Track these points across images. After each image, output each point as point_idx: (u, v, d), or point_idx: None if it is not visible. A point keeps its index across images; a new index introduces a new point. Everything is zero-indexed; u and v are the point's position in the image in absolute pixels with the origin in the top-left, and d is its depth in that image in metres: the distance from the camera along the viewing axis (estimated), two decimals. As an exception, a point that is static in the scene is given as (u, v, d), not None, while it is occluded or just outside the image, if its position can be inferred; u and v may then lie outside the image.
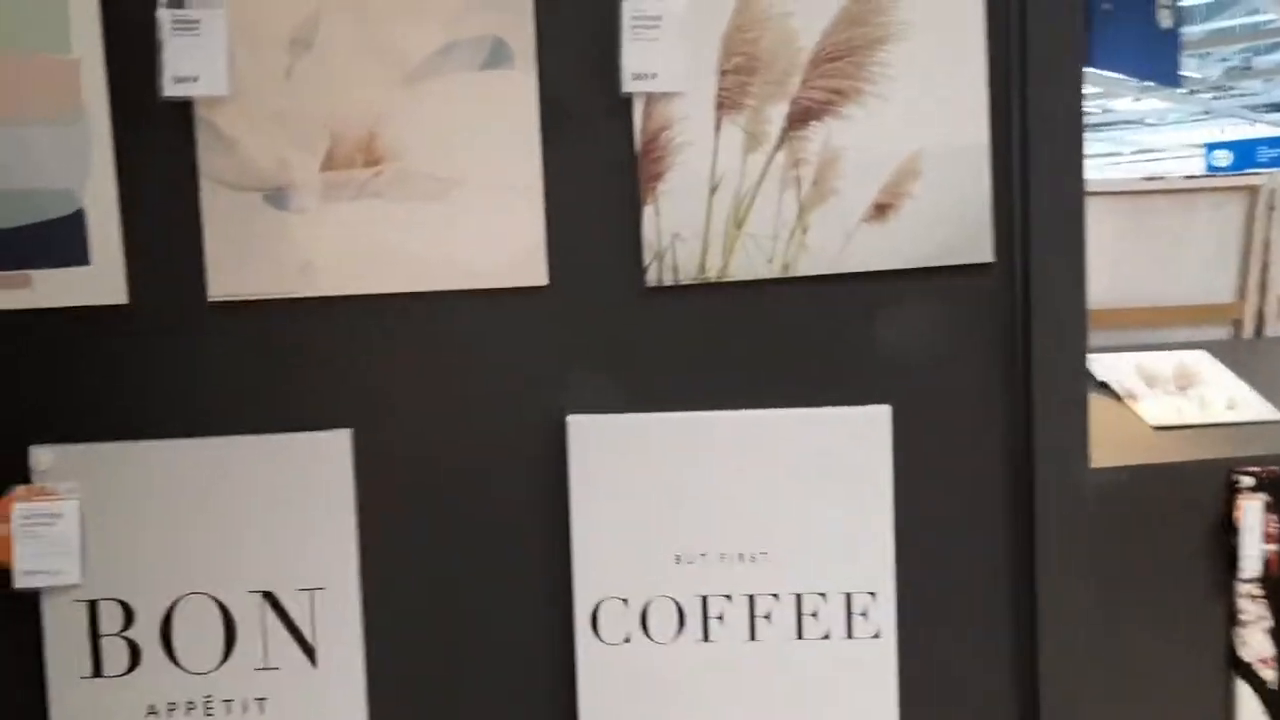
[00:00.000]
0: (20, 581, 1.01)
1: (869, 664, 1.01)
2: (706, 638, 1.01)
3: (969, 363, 0.99)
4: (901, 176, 0.97)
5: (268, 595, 1.02)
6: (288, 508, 1.02)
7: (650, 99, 0.97)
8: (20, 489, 1.01)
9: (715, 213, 0.98)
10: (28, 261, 1.01)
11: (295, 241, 0.99)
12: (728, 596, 1.01)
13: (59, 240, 1.01)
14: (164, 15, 0.96)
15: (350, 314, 1.01)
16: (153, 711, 1.04)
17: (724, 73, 0.97)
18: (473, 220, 0.99)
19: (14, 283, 1.01)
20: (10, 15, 0.97)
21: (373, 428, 1.02)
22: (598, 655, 1.02)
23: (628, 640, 1.01)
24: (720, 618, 1.01)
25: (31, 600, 1.03)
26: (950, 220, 0.97)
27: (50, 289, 1.01)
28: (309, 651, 1.02)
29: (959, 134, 0.97)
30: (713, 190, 0.98)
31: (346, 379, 1.02)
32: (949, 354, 0.99)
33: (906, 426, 0.99)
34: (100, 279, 1.01)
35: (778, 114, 0.97)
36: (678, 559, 1.00)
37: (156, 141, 0.99)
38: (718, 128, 0.97)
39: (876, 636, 1.00)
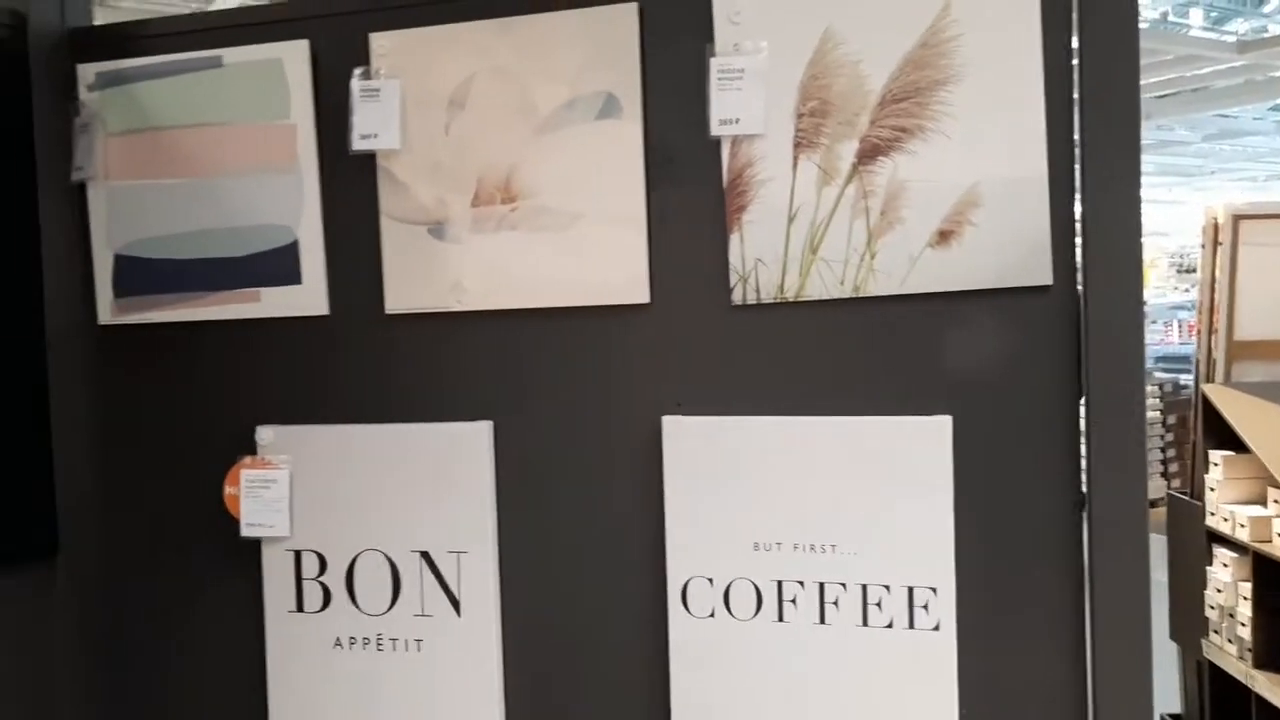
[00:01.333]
0: (245, 531, 1.31)
1: (929, 654, 1.14)
2: (781, 618, 1.17)
3: (1027, 377, 1.10)
4: (963, 206, 1.08)
5: (425, 555, 1.27)
6: (442, 483, 1.28)
7: (735, 141, 1.15)
8: (247, 459, 1.31)
9: (793, 240, 1.14)
10: (257, 281, 1.33)
11: (449, 266, 1.25)
12: (800, 583, 1.16)
13: (279, 265, 1.31)
14: (355, 86, 1.23)
15: (492, 325, 1.26)
16: (338, 643, 1.31)
17: (800, 115, 1.13)
18: (589, 248, 1.21)
19: (248, 298, 1.32)
20: (248, 97, 1.31)
21: (509, 420, 1.26)
22: (686, 626, 1.20)
23: (712, 615, 1.19)
24: (793, 601, 1.16)
25: (254, 547, 1.32)
26: (1010, 245, 1.08)
27: (273, 303, 1.32)
28: (455, 604, 1.27)
29: (1018, 165, 1.08)
30: (790, 220, 1.14)
31: (489, 379, 1.26)
32: (1008, 369, 1.10)
33: (967, 436, 1.12)
34: (309, 295, 1.31)
35: (849, 151, 1.12)
36: (756, 546, 1.17)
37: (349, 186, 1.28)
38: (795, 164, 1.13)
39: (936, 629, 1.12)
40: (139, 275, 1.43)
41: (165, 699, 1.47)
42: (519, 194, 1.30)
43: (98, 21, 1.52)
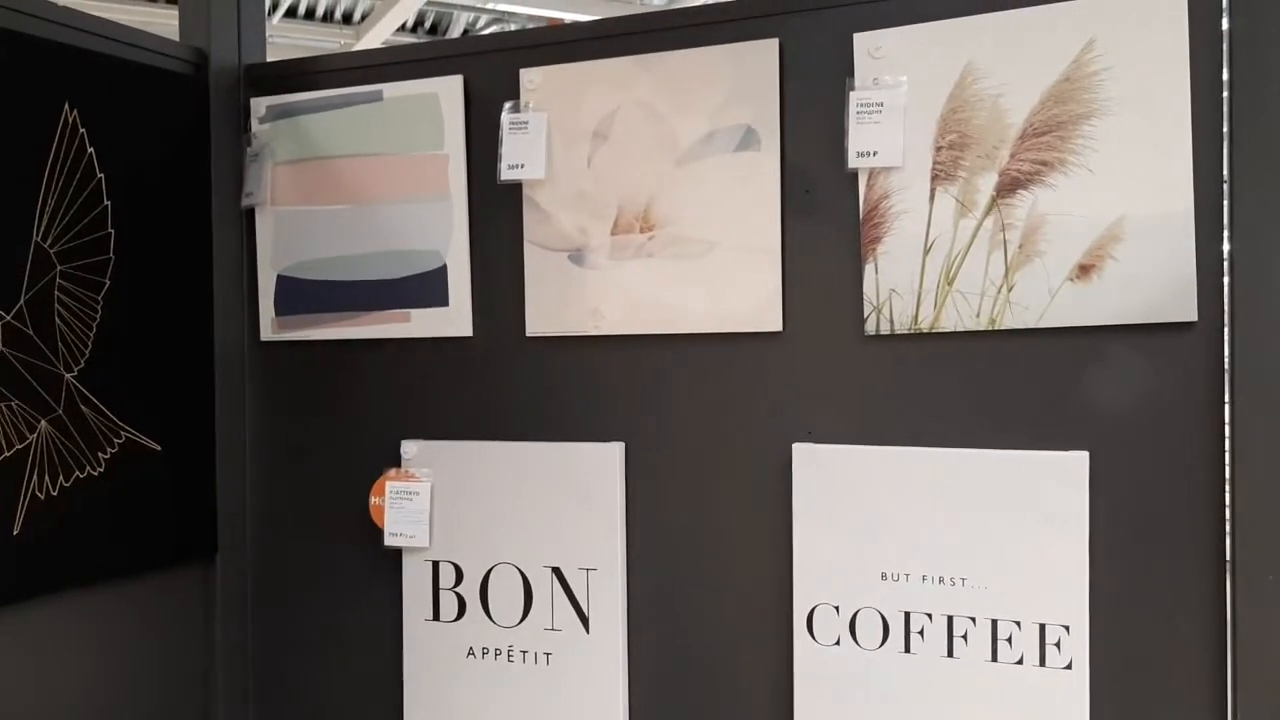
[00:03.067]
0: (388, 541, 1.39)
1: (1060, 693, 1.14)
2: (908, 649, 1.18)
3: (1169, 416, 1.10)
4: (1105, 240, 1.09)
5: (556, 570, 1.33)
6: (574, 501, 1.33)
7: (873, 173, 1.18)
8: (392, 471, 1.39)
9: (928, 271, 1.16)
10: (408, 302, 1.41)
11: (588, 291, 1.31)
12: (928, 614, 1.17)
13: (429, 288, 1.40)
14: (505, 119, 1.31)
15: (627, 350, 1.31)
16: (471, 653, 1.37)
17: (939, 148, 1.15)
18: (724, 275, 1.25)
19: (399, 318, 1.41)
20: (405, 129, 1.40)
21: (641, 442, 1.31)
22: (812, 653, 1.23)
23: (838, 643, 1.21)
24: (921, 633, 1.17)
25: (395, 556, 1.40)
26: (1153, 281, 1.09)
27: (422, 323, 1.41)
28: (584, 619, 1.31)
29: (1163, 200, 1.09)
30: (926, 251, 1.16)
31: (623, 401, 1.32)
32: (1148, 407, 1.10)
33: (1105, 473, 1.12)
34: (455, 317, 1.39)
35: (987, 184, 1.14)
36: (884, 576, 1.19)
37: (496, 215, 1.36)
38: (932, 197, 1.16)
39: (1069, 668, 1.12)
40: (299, 295, 1.55)
41: (311, 693, 1.56)
42: (657, 223, 1.35)
43: (269, 58, 1.65)
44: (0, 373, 1.19)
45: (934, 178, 1.22)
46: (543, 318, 1.42)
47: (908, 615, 1.24)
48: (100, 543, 1.32)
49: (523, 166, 1.40)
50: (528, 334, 1.43)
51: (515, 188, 1.42)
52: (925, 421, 1.24)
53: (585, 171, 1.39)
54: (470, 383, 1.47)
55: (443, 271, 1.47)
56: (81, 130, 1.29)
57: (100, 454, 1.32)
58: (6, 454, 1.19)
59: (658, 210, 1.35)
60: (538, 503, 1.42)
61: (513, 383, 1.44)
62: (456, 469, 1.47)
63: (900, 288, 1.24)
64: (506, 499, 1.44)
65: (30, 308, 1.22)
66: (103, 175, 1.32)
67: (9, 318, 1.20)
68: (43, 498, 1.24)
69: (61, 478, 1.26)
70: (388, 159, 1.48)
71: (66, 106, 1.27)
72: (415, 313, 1.49)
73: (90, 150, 1.30)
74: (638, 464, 1.38)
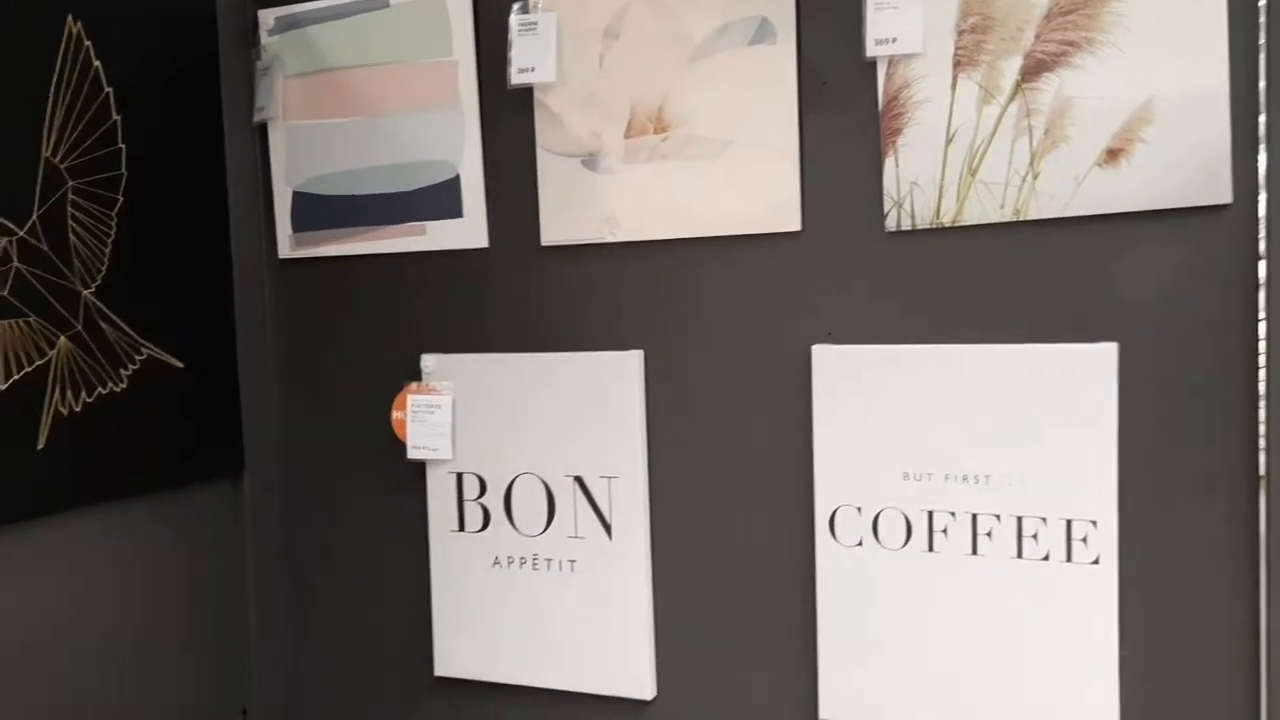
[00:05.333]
0: (411, 454, 1.41)
1: (1088, 589, 1.13)
2: (931, 548, 1.17)
3: (1201, 304, 1.06)
4: (1135, 122, 1.06)
5: (578, 479, 1.33)
6: (595, 410, 1.34)
7: (892, 62, 1.15)
8: (413, 385, 1.40)
9: (950, 162, 1.13)
10: (422, 215, 1.40)
11: (603, 197, 1.29)
12: (951, 513, 1.16)
13: (442, 199, 1.39)
14: (514, 20, 1.29)
15: (644, 256, 1.30)
16: (496, 562, 1.39)
17: (960, 32, 1.12)
18: (740, 176, 1.23)
19: (414, 231, 1.40)
20: (413, 36, 1.38)
21: (659, 349, 1.30)
22: (834, 555, 1.22)
23: (860, 544, 1.20)
24: (944, 531, 1.17)
25: (419, 469, 1.41)
26: (1185, 164, 1.05)
27: (437, 236, 1.40)
28: (607, 527, 1.32)
29: (1195, 79, 1.05)
30: (948, 142, 1.13)
31: (640, 308, 1.31)
32: (1180, 295, 1.07)
33: (1134, 365, 1.10)
34: (470, 228, 1.38)
35: (1011, 68, 1.11)
36: (906, 475, 1.18)
37: (508, 121, 1.34)
38: (954, 84, 1.13)
39: (1096, 563, 1.11)
40: (315, 211, 1.54)
41: (341, 605, 1.59)
42: (671, 123, 1.33)
43: (276, -29, 1.64)
44: (17, 288, 1.20)
45: (956, 64, 1.18)
46: (557, 226, 1.41)
47: (931, 514, 1.23)
48: (126, 459, 1.34)
49: (533, 70, 1.38)
50: (543, 243, 1.42)
51: (526, 93, 1.40)
52: (948, 318, 1.22)
53: (597, 72, 1.36)
54: (487, 294, 1.47)
55: (456, 182, 1.46)
56: (87, 42, 1.29)
57: (121, 370, 1.34)
58: (27, 369, 1.21)
59: (671, 110, 1.33)
60: (558, 413, 1.42)
61: (530, 293, 1.44)
62: (477, 381, 1.47)
63: (921, 180, 1.21)
64: (527, 410, 1.44)
65: (43, 223, 1.23)
66: (110, 89, 1.32)
67: (22, 233, 1.21)
68: (65, 413, 1.26)
69: (84, 394, 1.28)
70: (396, 68, 1.47)
71: (70, 18, 1.26)
72: (430, 225, 1.48)
73: (96, 63, 1.30)
74: (657, 371, 1.37)
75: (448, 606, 1.50)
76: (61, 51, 1.25)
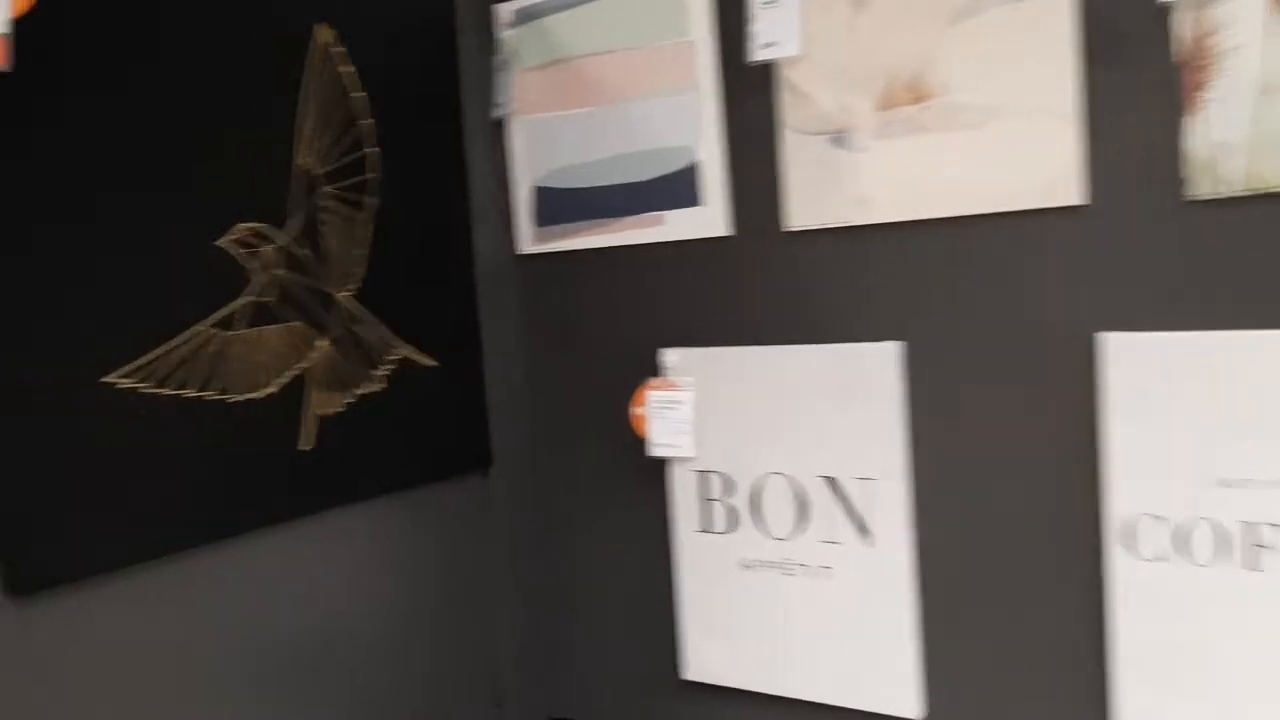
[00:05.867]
0: (652, 450, 1.36)
1: None
2: (1253, 566, 1.02)
3: None
4: None
5: (831, 481, 1.25)
6: (848, 407, 1.25)
7: (1193, 5, 0.99)
8: (653, 380, 1.36)
9: (1265, 118, 0.98)
10: (661, 204, 1.36)
11: (853, 177, 1.20)
12: (1277, 526, 1.00)
13: (681, 187, 1.34)
14: (755, -6, 1.22)
15: (900, 238, 1.20)
16: (745, 565, 1.33)
17: (1283, -35, 0.95)
18: (1011, 145, 1.12)
19: (652, 222, 1.36)
20: (647, 19, 1.34)
21: (920, 340, 1.20)
22: (1131, 570, 1.10)
23: (1163, 559, 1.06)
24: (1268, 547, 1.00)
25: (662, 466, 1.37)
26: None
27: (676, 225, 1.35)
28: (864, 531, 1.23)
29: None
30: (1262, 93, 0.97)
31: (898, 295, 1.21)
32: None
33: None
34: (710, 216, 1.33)
35: (1350, 1, 0.93)
36: (1220, 482, 1.02)
37: (749, 101, 1.28)
38: (1269, 27, 0.96)
39: None
40: (554, 205, 1.53)
41: (586, 599, 1.58)
42: (929, 92, 1.22)
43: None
44: (281, 295, 1.24)
45: (1272, 2, 1.01)
46: (804, 209, 1.32)
47: (1252, 527, 1.07)
48: (383, 457, 1.37)
49: (776, 44, 1.30)
50: (788, 229, 1.34)
51: (767, 69, 1.32)
52: (1263, 299, 1.05)
53: (845, 42, 1.27)
54: (730, 285, 1.40)
55: (694, 169, 1.40)
56: (336, 50, 1.31)
57: (377, 370, 1.36)
58: (293, 372, 1.25)
59: (930, 77, 1.22)
60: (808, 410, 1.35)
61: (775, 282, 1.36)
62: (720, 376, 1.41)
63: (1231, 140, 1.05)
64: (774, 407, 1.37)
65: (302, 230, 1.27)
66: (358, 93, 1.34)
67: (283, 241, 1.24)
68: (327, 414, 1.29)
69: (344, 394, 1.32)
70: (631, 53, 1.42)
71: (318, 25, 1.29)
72: (669, 214, 1.44)
73: (345, 69, 1.33)
74: (917, 364, 1.27)
75: (696, 609, 1.46)
76: (311, 59, 1.29)
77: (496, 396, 1.57)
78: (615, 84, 1.45)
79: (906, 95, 1.23)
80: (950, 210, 1.23)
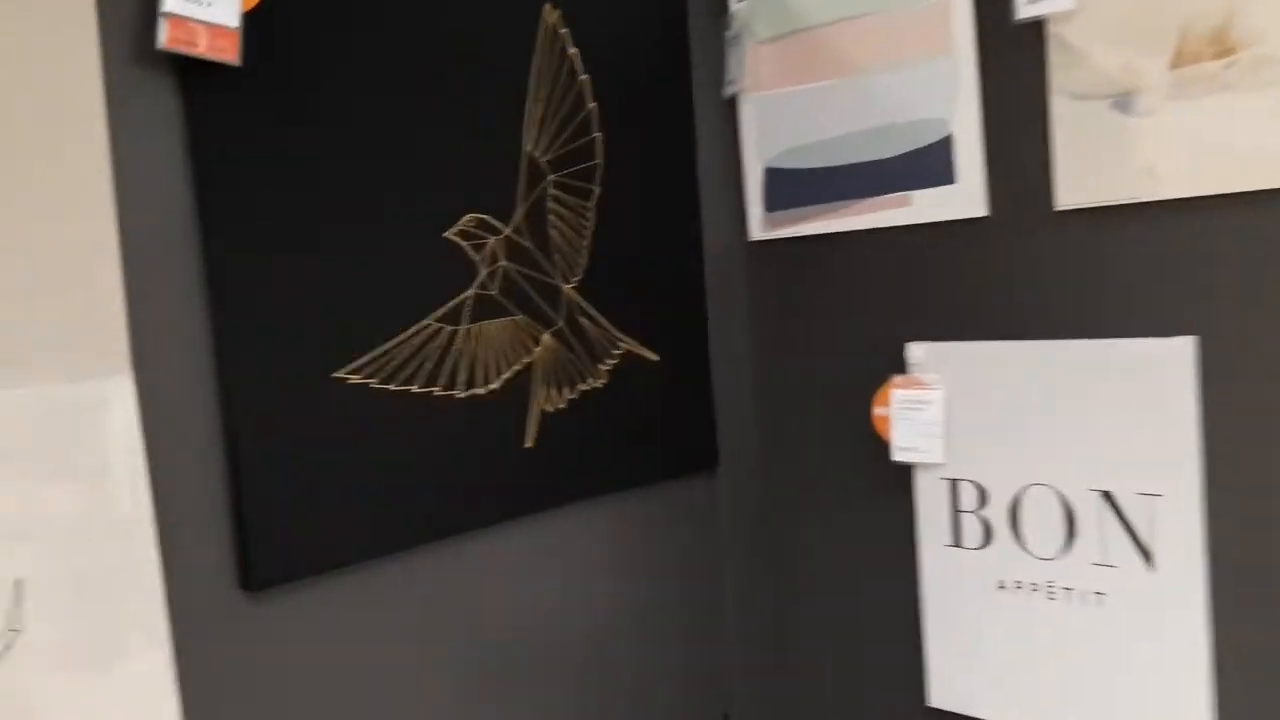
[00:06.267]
0: (895, 455, 1.25)
1: None
2: None
3: None
4: None
5: (1106, 495, 1.11)
6: (1129, 412, 1.11)
7: None
8: (897, 378, 1.24)
9: None
10: (908, 183, 1.24)
11: (1138, 146, 1.06)
12: None
13: (932, 163, 1.22)
14: (1020, -57, 1.08)
15: (1196, 217, 1.04)
16: (1001, 586, 1.20)
17: None
18: (1346, 102, 0.93)
19: (898, 203, 1.24)
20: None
21: (1218, 335, 1.02)
22: None
23: None
24: None
25: (906, 472, 1.25)
26: None
27: (925, 206, 1.23)
28: (1146, 554, 1.10)
29: None
30: None
31: (1191, 284, 1.05)
32: None
33: None
34: (964, 195, 1.20)
35: None
36: None
37: (1012, 64, 1.15)
38: None
39: None
40: (788, 187, 1.43)
41: (820, 611, 1.48)
42: (1237, 44, 1.03)
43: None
44: (505, 288, 1.20)
45: None
46: (1078, 185, 1.16)
47: None
48: (606, 455, 1.32)
49: (1046, -1, 1.15)
50: (1058, 207, 1.18)
51: (1035, 28, 1.17)
52: None
53: (1131, -9, 1.10)
54: (987, 272, 1.26)
55: (947, 143, 1.27)
56: (563, 31, 1.26)
57: (601, 365, 1.31)
58: (516, 367, 1.22)
59: (1239, 26, 1.03)
60: (1079, 414, 1.19)
61: (1041, 268, 1.21)
62: (974, 374, 1.27)
63: None
64: (1038, 410, 1.22)
65: (527, 220, 1.23)
66: (585, 77, 1.29)
67: (509, 231, 1.21)
68: (551, 410, 1.25)
69: (567, 390, 1.27)
70: (877, 18, 1.30)
71: (547, 7, 1.24)
72: (917, 194, 1.30)
73: (572, 51, 1.27)
74: (1214, 363, 1.09)
75: (944, 631, 1.33)
76: (539, 43, 1.24)
77: (724, 393, 1.49)
78: (858, 53, 1.33)
79: (1208, 49, 1.05)
80: (1260, 183, 1.04)
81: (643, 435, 1.37)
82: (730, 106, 1.47)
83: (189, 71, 0.96)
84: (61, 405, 0.86)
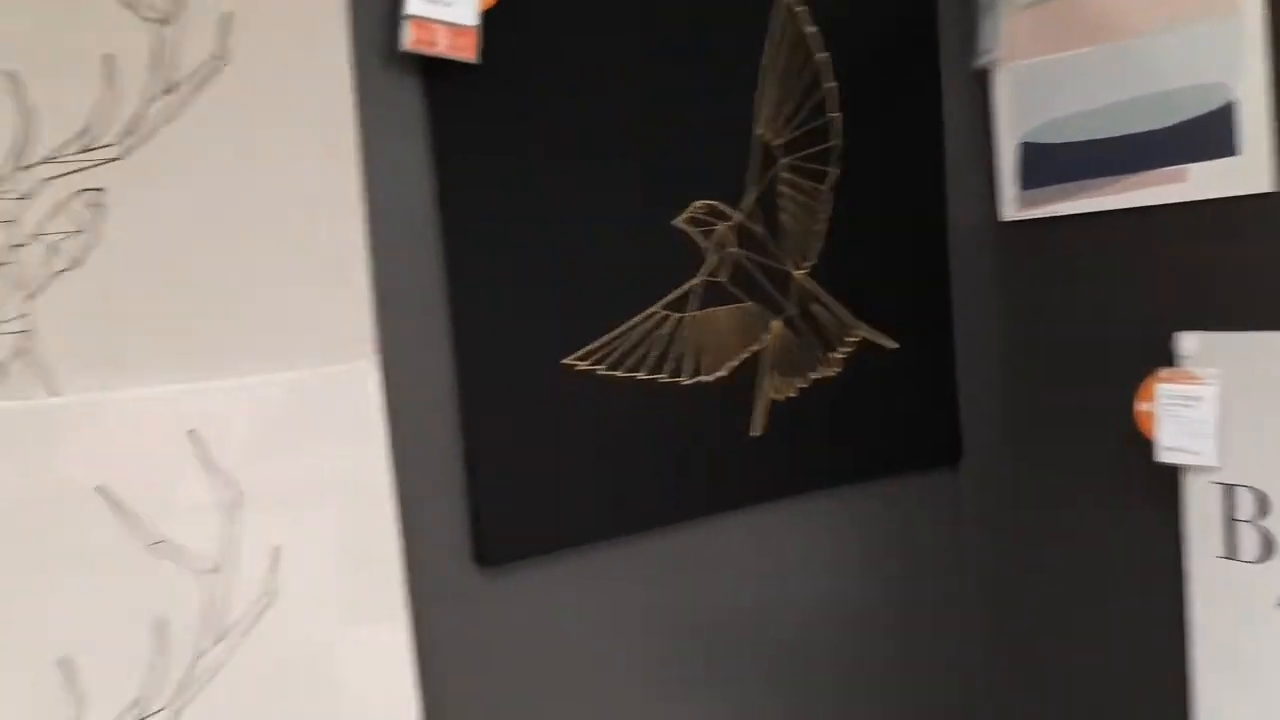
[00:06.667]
0: (1161, 455, 1.16)
1: None
2: None
3: None
4: None
5: None
6: None
7: None
8: (1164, 371, 1.15)
9: None
10: (1183, 156, 1.15)
11: None
12: None
13: (1210, 134, 1.12)
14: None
15: None
16: (1283, 606, 1.09)
17: None
18: None
19: (1171, 178, 1.15)
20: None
21: None
22: None
23: None
24: None
25: (1171, 474, 1.16)
26: None
27: (1202, 181, 1.14)
28: None
29: None
30: None
31: None
32: None
33: None
34: (1249, 168, 1.11)
35: None
36: None
37: (1309, 19, 1.00)
38: None
39: None
40: (1044, 163, 1.33)
41: (1064, 614, 1.38)
42: None
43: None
44: (735, 274, 1.19)
45: None
46: (1390, 156, 1.01)
47: None
48: (837, 446, 1.28)
49: (1354, -58, 1.00)
50: (1365, 182, 1.03)
51: (1341, -24, 1.03)
52: None
53: None
54: (1273, 253, 1.12)
55: (1228, 111, 1.13)
56: (799, 9, 1.23)
57: (834, 354, 1.28)
58: (744, 356, 1.20)
59: None
60: (1384, 417, 1.04)
61: (1341, 252, 1.06)
62: (1255, 368, 1.14)
63: None
64: (1333, 410, 1.08)
65: (757, 205, 1.21)
66: (822, 56, 1.25)
67: (739, 217, 1.19)
68: (780, 399, 1.23)
69: (797, 379, 1.25)
70: (1149, -25, 1.18)
71: (783, -13, 1.22)
72: (1193, 168, 1.18)
73: (808, 30, 1.24)
74: None
75: (1214, 652, 1.20)
76: (774, 24, 1.21)
77: (969, 383, 1.41)
78: (1127, 16, 1.21)
79: None
80: None
81: (878, 427, 1.32)
82: (980, 79, 1.38)
83: (431, 71, 1.01)
84: (314, 387, 0.93)
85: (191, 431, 0.88)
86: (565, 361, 1.09)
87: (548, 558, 1.11)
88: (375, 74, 0.99)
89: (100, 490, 0.84)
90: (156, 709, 0.86)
